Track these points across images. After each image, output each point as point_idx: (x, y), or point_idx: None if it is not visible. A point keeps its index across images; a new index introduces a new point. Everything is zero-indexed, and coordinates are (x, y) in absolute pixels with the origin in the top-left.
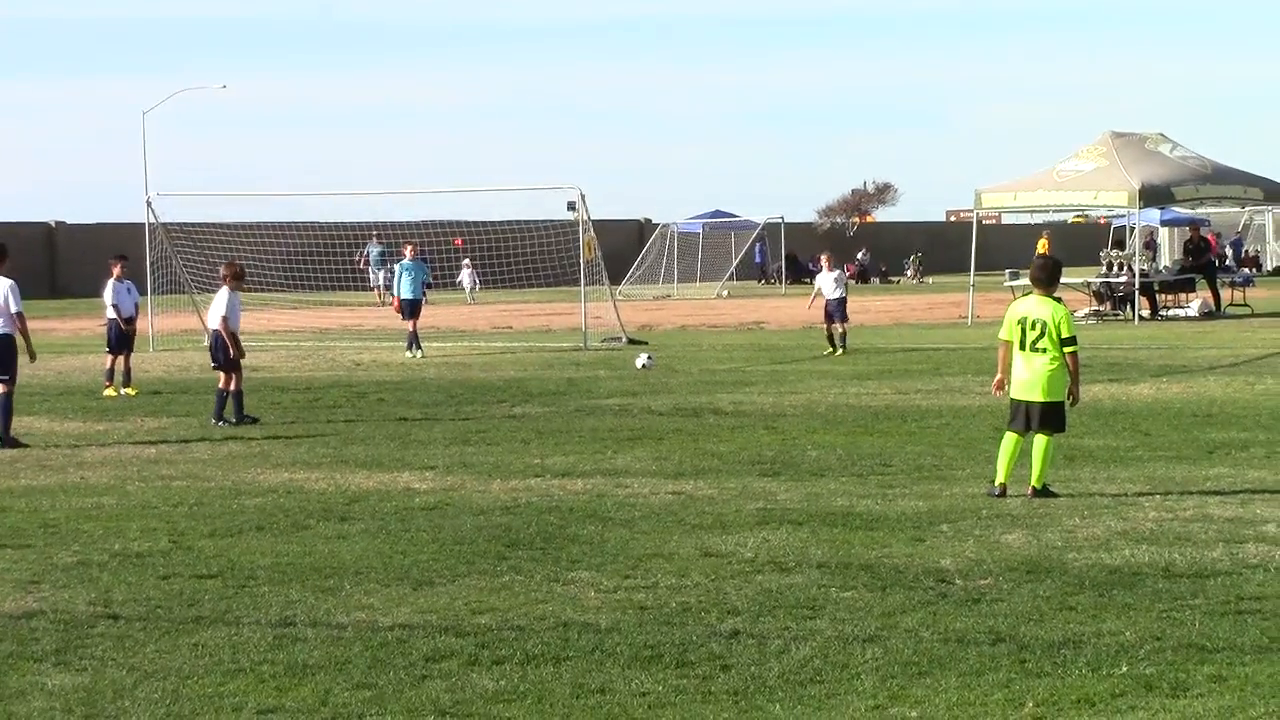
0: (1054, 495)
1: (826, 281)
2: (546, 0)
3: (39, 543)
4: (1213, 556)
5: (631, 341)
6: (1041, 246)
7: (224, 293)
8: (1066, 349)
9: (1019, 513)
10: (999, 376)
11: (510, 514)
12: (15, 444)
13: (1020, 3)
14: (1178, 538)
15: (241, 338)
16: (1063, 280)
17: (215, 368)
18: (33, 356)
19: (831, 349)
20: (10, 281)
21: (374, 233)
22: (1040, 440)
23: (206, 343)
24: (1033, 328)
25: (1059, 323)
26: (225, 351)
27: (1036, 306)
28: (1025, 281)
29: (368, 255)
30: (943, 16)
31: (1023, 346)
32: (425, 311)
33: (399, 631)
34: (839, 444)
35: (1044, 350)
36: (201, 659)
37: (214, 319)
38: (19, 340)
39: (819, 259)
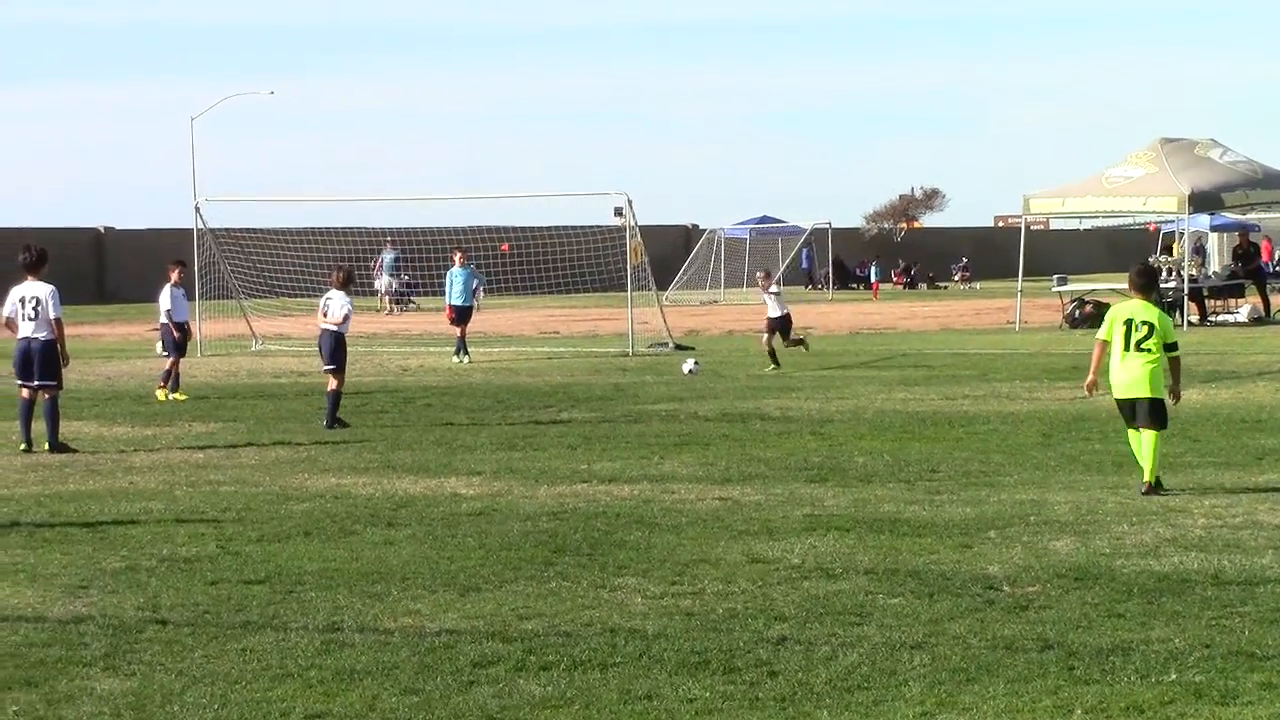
0: (1166, 492)
1: (771, 300)
2: (592, 4)
3: (87, 548)
4: (1262, 563)
5: (678, 347)
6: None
7: (339, 295)
8: (1170, 353)
9: (1067, 519)
10: (1091, 377)
11: (557, 520)
12: (64, 449)
13: (1070, 7)
14: (1227, 545)
15: (288, 343)
16: (1113, 287)
17: (328, 370)
18: (66, 360)
19: (774, 365)
20: (51, 286)
21: (388, 239)
22: (1149, 437)
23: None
24: (1138, 329)
25: (1166, 327)
26: (339, 353)
27: (1141, 310)
28: (1073, 287)
29: (382, 262)
30: (992, 20)
31: (1126, 347)
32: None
33: (446, 637)
34: (886, 450)
35: (1148, 350)
36: (249, 664)
37: (334, 320)
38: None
39: (759, 277)
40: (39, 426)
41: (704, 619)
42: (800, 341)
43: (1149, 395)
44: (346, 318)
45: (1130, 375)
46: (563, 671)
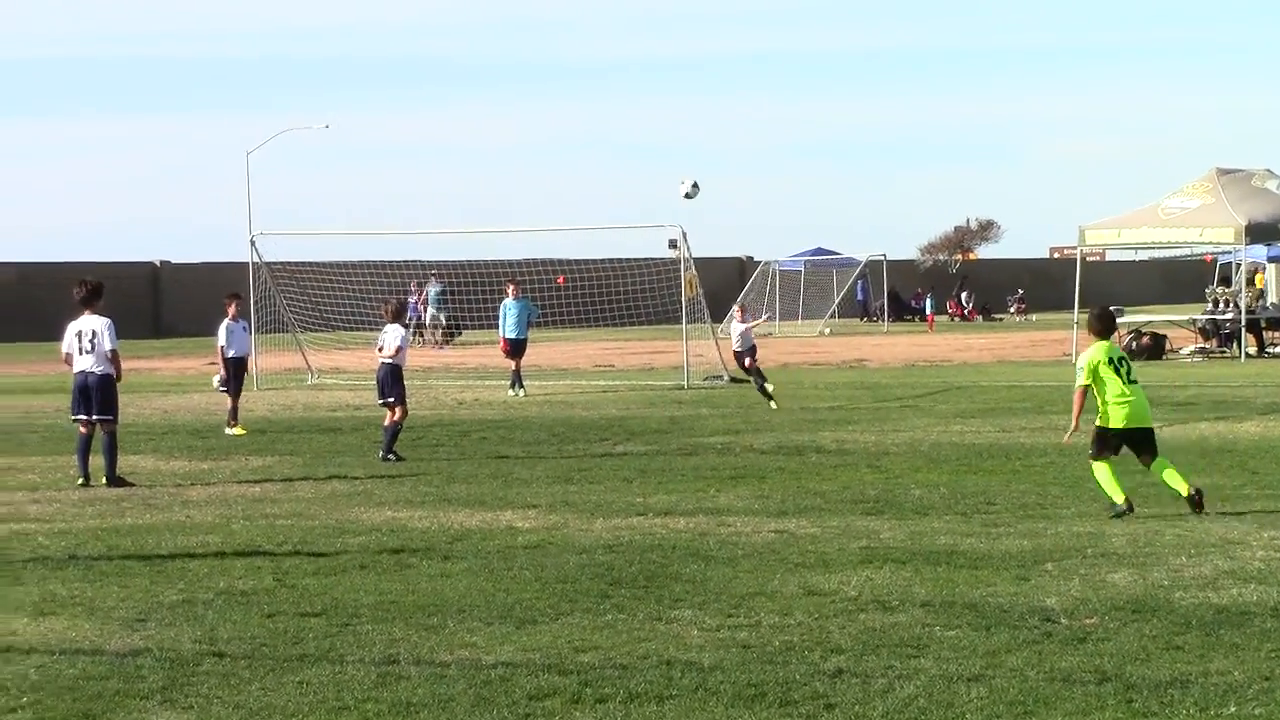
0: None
1: (736, 329)
2: (641, 38)
3: (145, 581)
4: None
5: (733, 380)
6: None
7: (394, 328)
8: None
9: (1124, 551)
10: (1075, 425)
11: (613, 552)
12: (122, 483)
13: (1124, 38)
14: None
15: (344, 377)
16: (1170, 319)
17: (383, 403)
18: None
19: (766, 398)
20: (107, 320)
21: (434, 271)
22: (1163, 462)
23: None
24: (1122, 363)
25: (1131, 363)
26: (397, 386)
27: (1114, 350)
28: (1130, 319)
29: (426, 295)
30: (1045, 51)
31: (1125, 381)
32: (529, 350)
33: (502, 670)
34: (942, 482)
35: (1136, 383)
36: (306, 697)
37: (389, 352)
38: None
39: (734, 312)
40: (96, 461)
41: (760, 651)
42: (745, 381)
43: (1150, 424)
44: (399, 350)
45: (1135, 408)
46: (619, 704)
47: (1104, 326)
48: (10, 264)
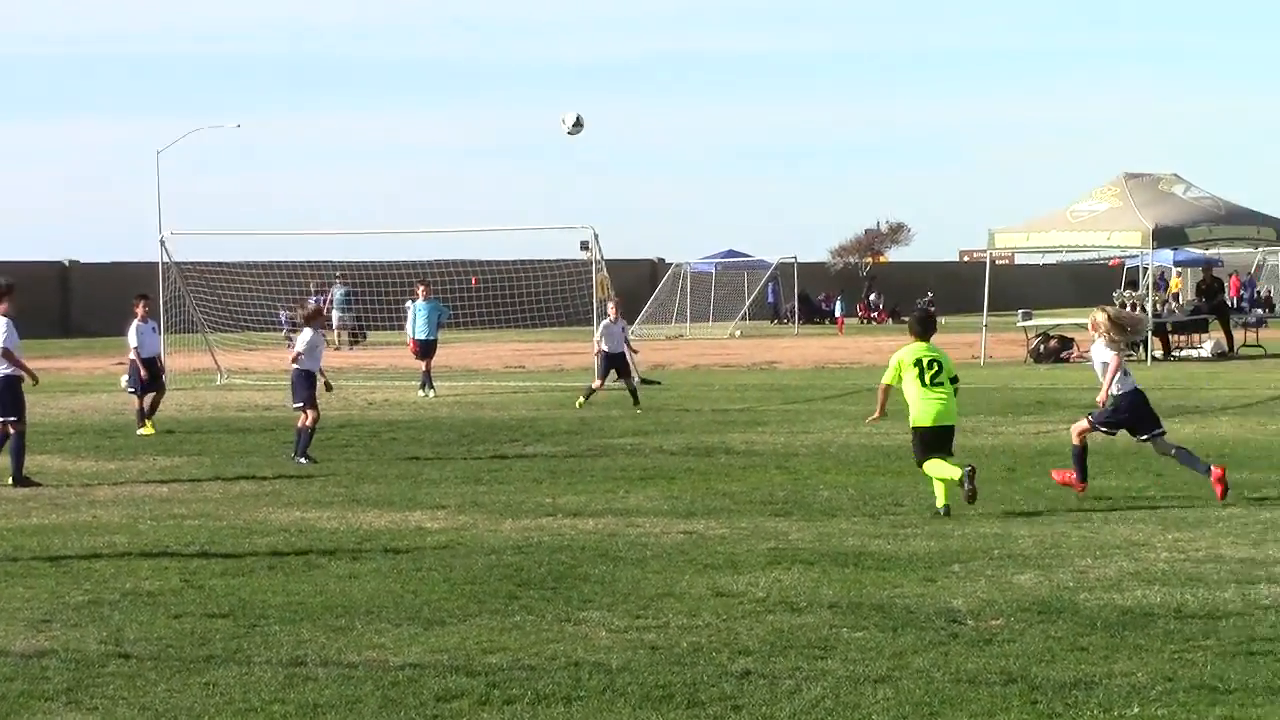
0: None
1: (612, 331)
2: (554, 42)
3: (50, 581)
4: (1225, 597)
5: (644, 381)
6: (1173, 285)
7: (308, 332)
8: (956, 384)
9: (1030, 553)
10: (878, 414)
11: (522, 553)
12: (28, 483)
13: (1033, 41)
14: (1190, 578)
15: (253, 377)
16: (1077, 322)
17: (297, 407)
18: (35, 380)
19: (636, 406)
20: (4, 320)
21: (338, 274)
22: (948, 460)
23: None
24: (930, 367)
25: (950, 364)
26: (309, 389)
27: (927, 351)
28: (1038, 321)
29: (332, 297)
30: (956, 56)
31: (925, 384)
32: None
33: (410, 671)
34: (851, 484)
35: (943, 384)
36: (213, 698)
37: (304, 357)
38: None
39: (608, 310)
40: (2, 461)
41: (668, 653)
42: (655, 382)
43: (953, 423)
44: (305, 353)
45: (939, 407)
46: (526, 706)
47: (923, 330)
48: None
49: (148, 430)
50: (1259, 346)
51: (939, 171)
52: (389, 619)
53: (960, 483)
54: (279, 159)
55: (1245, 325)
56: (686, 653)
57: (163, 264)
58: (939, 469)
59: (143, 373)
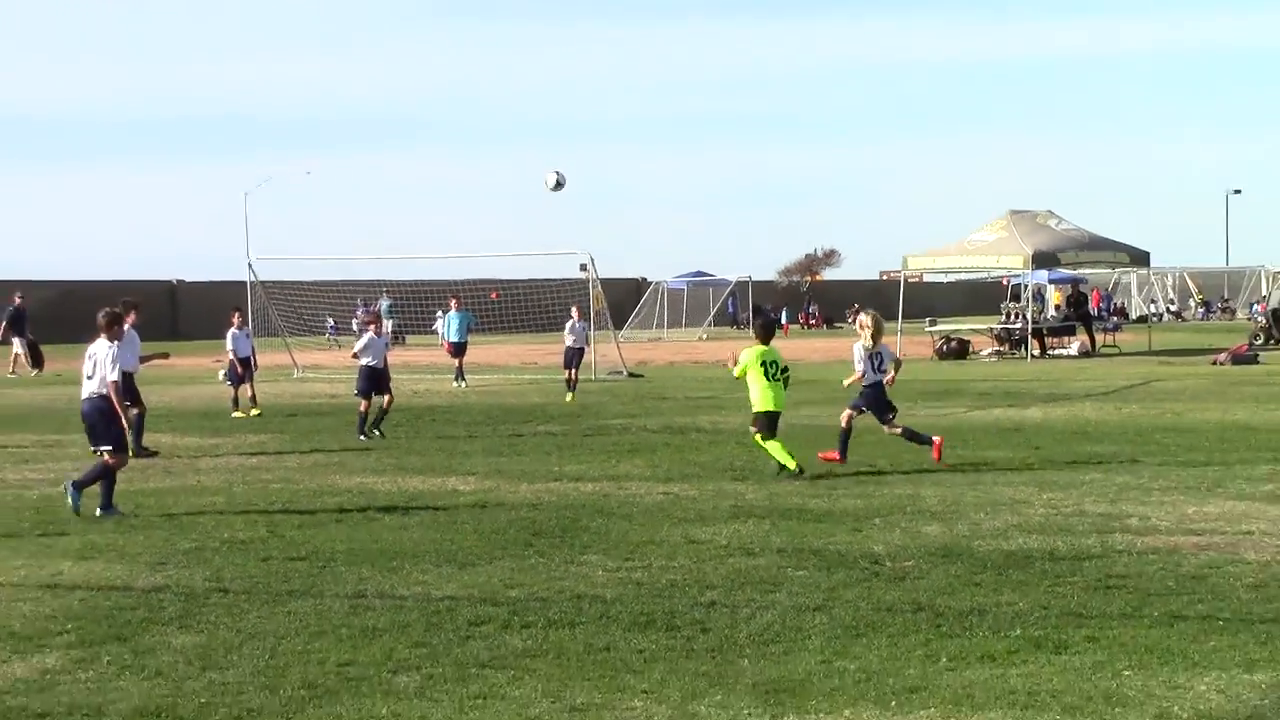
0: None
1: (573, 329)
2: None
3: (165, 533)
4: (1088, 543)
5: (631, 375)
6: (1055, 299)
7: (366, 335)
8: (787, 376)
9: (936, 509)
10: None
11: (535, 510)
12: (148, 454)
13: (936, 105)
14: (1060, 529)
15: (322, 371)
16: (973, 327)
17: (356, 395)
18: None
19: (572, 394)
20: (110, 346)
21: (384, 288)
22: (784, 446)
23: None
24: (773, 366)
25: (783, 361)
26: (364, 381)
27: (771, 353)
28: (941, 327)
29: (379, 307)
30: (875, 115)
31: (770, 378)
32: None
33: (448, 602)
34: (795, 455)
35: (780, 380)
36: (293, 623)
37: (361, 356)
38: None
39: (572, 312)
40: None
41: (650, 587)
42: (639, 375)
43: (782, 410)
44: (360, 353)
45: (777, 396)
46: (539, 629)
47: (765, 335)
48: (54, 282)
49: (241, 414)
50: (1115, 347)
51: (863, 208)
52: (431, 561)
53: (784, 471)
54: (339, 197)
55: (1104, 330)
56: (665, 587)
57: (250, 282)
58: (776, 450)
59: (238, 369)
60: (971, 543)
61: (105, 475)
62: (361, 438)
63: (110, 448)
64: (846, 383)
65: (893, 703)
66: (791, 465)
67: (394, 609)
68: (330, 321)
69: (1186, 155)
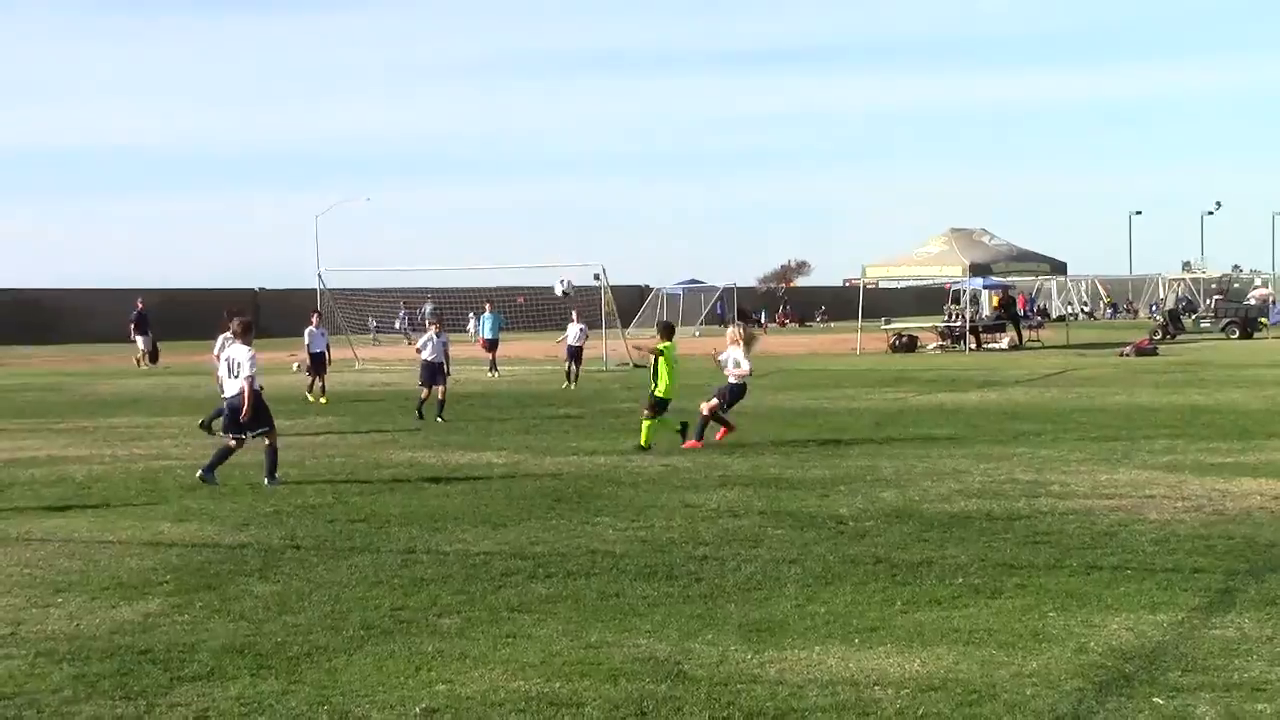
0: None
1: (573, 330)
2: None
3: (248, 499)
4: (1017, 506)
5: (636, 366)
6: (994, 302)
7: (428, 333)
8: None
9: (891, 478)
10: (643, 353)
11: (557, 479)
12: (211, 433)
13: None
14: (995, 494)
15: (378, 364)
16: (920, 325)
17: (421, 384)
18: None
19: (568, 383)
20: (250, 350)
21: (429, 295)
22: (667, 420)
23: (431, 358)
24: (674, 361)
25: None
26: (425, 374)
27: (670, 347)
28: (895, 325)
29: (424, 311)
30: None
31: (672, 370)
32: (500, 347)
33: (483, 556)
34: (772, 432)
35: (675, 373)
36: (354, 574)
37: (422, 352)
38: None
39: (572, 315)
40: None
41: (653, 543)
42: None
43: (673, 397)
44: (421, 349)
45: (674, 385)
46: (560, 579)
47: (668, 334)
48: (159, 289)
49: (322, 400)
50: (1038, 341)
51: (829, 227)
52: (469, 522)
53: (681, 433)
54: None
55: (1029, 327)
56: (665, 544)
57: (319, 289)
58: (648, 429)
59: (309, 361)
60: (921, 506)
61: (270, 453)
62: (419, 417)
63: (266, 429)
64: (730, 375)
65: (856, 640)
66: (642, 443)
67: (438, 562)
68: (373, 323)
69: (1096, 183)
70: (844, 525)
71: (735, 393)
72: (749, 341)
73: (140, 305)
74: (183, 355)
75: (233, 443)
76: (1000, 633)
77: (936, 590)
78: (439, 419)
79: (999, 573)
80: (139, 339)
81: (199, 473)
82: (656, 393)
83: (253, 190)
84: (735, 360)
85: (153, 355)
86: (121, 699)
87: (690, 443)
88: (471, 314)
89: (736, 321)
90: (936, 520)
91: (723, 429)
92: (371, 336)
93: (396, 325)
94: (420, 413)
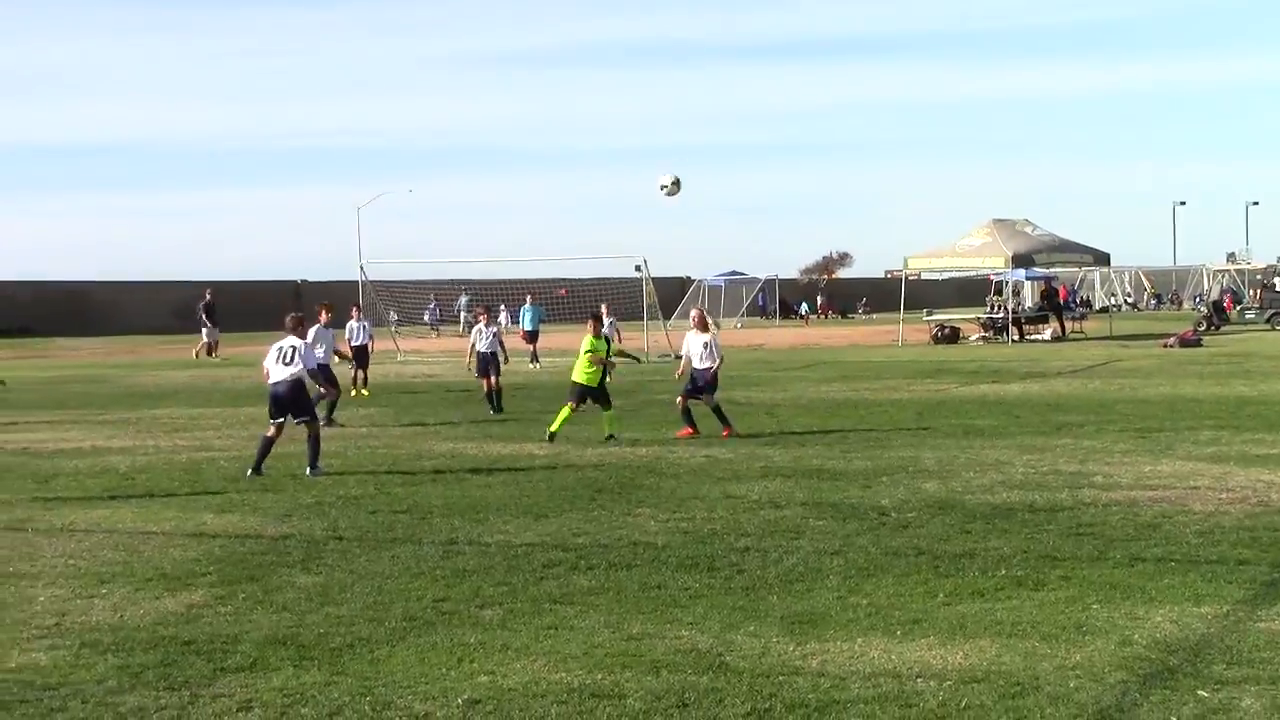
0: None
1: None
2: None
3: (290, 490)
4: (1060, 497)
5: (677, 357)
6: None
7: (479, 327)
8: (609, 356)
9: (933, 469)
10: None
11: (598, 470)
12: (336, 424)
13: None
14: (1038, 485)
15: (420, 355)
16: (963, 316)
17: (479, 376)
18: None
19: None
20: (304, 341)
21: (463, 287)
22: (611, 415)
23: (486, 348)
24: (597, 350)
25: (604, 348)
26: (480, 365)
27: (596, 341)
28: (937, 317)
29: (460, 303)
30: (884, 140)
31: (591, 361)
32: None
33: (525, 548)
34: (815, 423)
35: (599, 366)
36: (396, 566)
37: (481, 346)
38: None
39: (601, 313)
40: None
41: (695, 535)
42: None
43: (597, 386)
44: (475, 341)
45: (597, 375)
46: (602, 570)
47: (596, 328)
48: (204, 281)
49: (364, 393)
50: (1081, 333)
51: (871, 218)
52: (511, 513)
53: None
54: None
55: (1072, 319)
56: (706, 535)
57: (361, 282)
58: (562, 416)
59: (350, 353)
60: (963, 497)
61: (313, 442)
62: (491, 410)
63: (308, 419)
64: (677, 372)
65: (898, 632)
66: (553, 429)
67: (480, 554)
68: (393, 315)
69: (1140, 173)
70: (886, 517)
71: (709, 380)
72: (707, 325)
73: (209, 295)
74: (229, 347)
75: (271, 431)
76: (1043, 625)
77: (979, 582)
78: (490, 411)
79: (1042, 564)
80: (204, 330)
81: (248, 471)
82: (584, 380)
83: (294, 184)
84: (703, 346)
85: (211, 347)
86: (165, 690)
87: (681, 431)
88: (503, 306)
89: (700, 306)
90: (979, 512)
91: (687, 429)
92: (393, 328)
93: (426, 317)
94: (491, 405)
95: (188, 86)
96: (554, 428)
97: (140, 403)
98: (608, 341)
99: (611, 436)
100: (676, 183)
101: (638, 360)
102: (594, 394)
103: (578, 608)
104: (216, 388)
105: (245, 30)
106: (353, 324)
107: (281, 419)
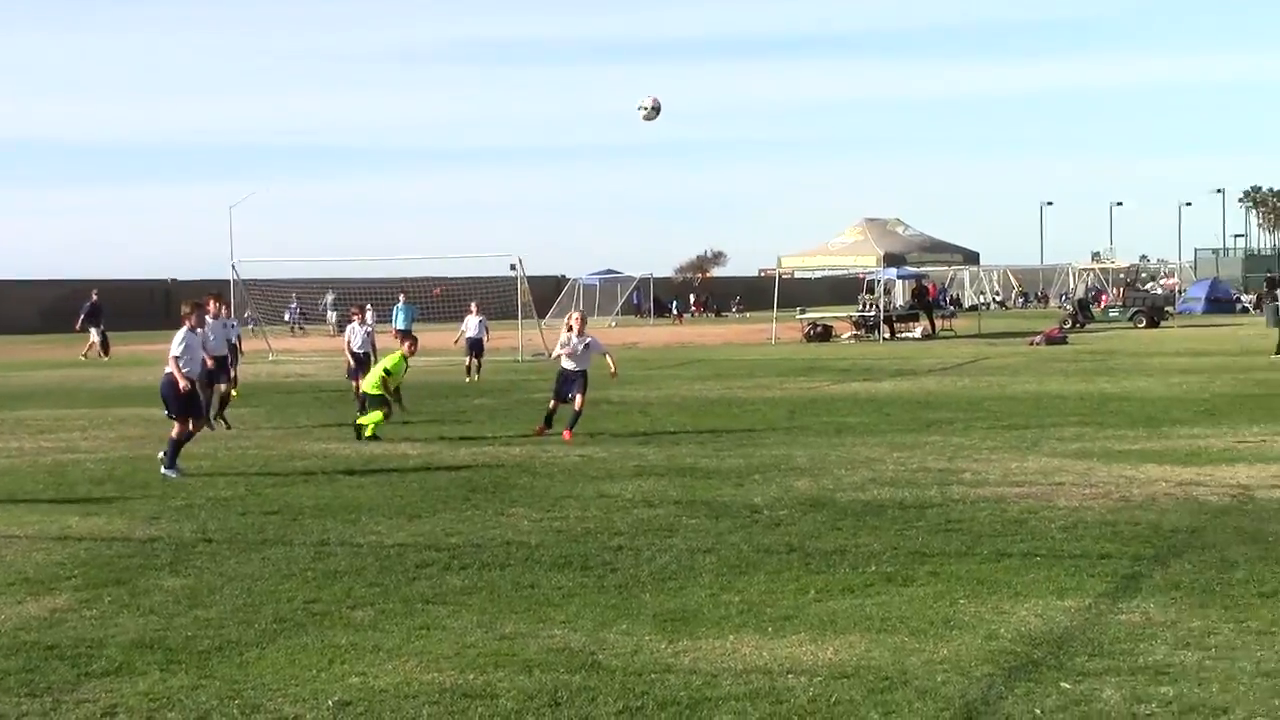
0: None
1: (471, 323)
2: (499, 132)
3: (159, 492)
4: (930, 494)
5: (552, 356)
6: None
7: (353, 326)
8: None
9: (805, 466)
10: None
11: (471, 470)
12: (227, 426)
13: (805, 132)
14: (907, 482)
15: (291, 354)
16: (835, 315)
17: (349, 378)
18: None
19: (469, 378)
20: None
21: (329, 287)
22: (375, 414)
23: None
24: (394, 371)
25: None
26: (361, 366)
27: (399, 359)
28: (809, 315)
29: (325, 301)
30: (756, 140)
31: (386, 372)
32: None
33: (398, 548)
34: (688, 422)
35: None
36: (266, 568)
37: (353, 346)
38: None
39: (469, 307)
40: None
41: (568, 534)
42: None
43: (376, 391)
44: (360, 342)
45: (374, 383)
46: (475, 570)
47: (411, 349)
48: (72, 281)
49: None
50: (951, 331)
51: (746, 218)
52: (384, 514)
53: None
54: (308, 210)
55: (942, 317)
56: (580, 534)
57: (233, 280)
58: (379, 418)
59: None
60: (835, 494)
61: (173, 442)
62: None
63: (180, 414)
64: (554, 354)
65: (770, 629)
66: (364, 421)
67: (352, 554)
68: (247, 313)
69: (1007, 173)
70: (758, 514)
71: (563, 380)
72: (583, 326)
73: (95, 298)
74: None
75: (175, 431)
76: (912, 620)
77: (850, 578)
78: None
79: (911, 561)
80: (91, 331)
81: (161, 471)
82: (393, 383)
83: (165, 181)
84: (584, 346)
85: (104, 347)
86: (27, 696)
87: (564, 433)
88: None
89: (578, 308)
90: (850, 509)
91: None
92: (251, 327)
93: (286, 316)
94: (361, 409)
95: (52, 83)
96: (363, 421)
97: (4, 404)
98: (406, 364)
99: (373, 437)
100: (656, 109)
101: (403, 409)
102: (374, 398)
103: (450, 608)
104: (83, 388)
105: (117, 25)
106: (211, 323)
107: (187, 415)
